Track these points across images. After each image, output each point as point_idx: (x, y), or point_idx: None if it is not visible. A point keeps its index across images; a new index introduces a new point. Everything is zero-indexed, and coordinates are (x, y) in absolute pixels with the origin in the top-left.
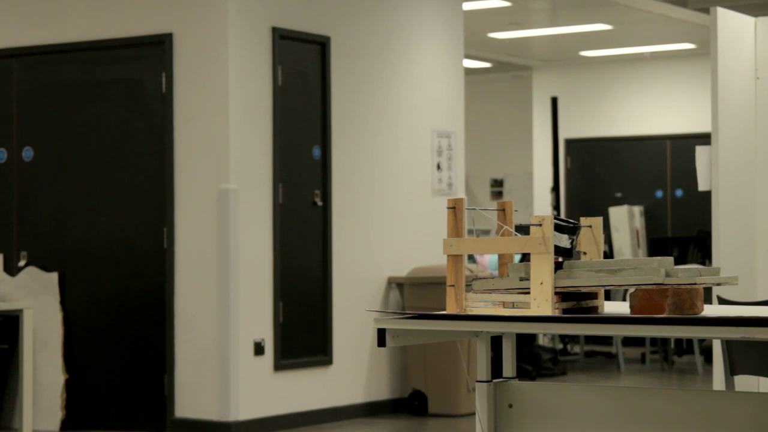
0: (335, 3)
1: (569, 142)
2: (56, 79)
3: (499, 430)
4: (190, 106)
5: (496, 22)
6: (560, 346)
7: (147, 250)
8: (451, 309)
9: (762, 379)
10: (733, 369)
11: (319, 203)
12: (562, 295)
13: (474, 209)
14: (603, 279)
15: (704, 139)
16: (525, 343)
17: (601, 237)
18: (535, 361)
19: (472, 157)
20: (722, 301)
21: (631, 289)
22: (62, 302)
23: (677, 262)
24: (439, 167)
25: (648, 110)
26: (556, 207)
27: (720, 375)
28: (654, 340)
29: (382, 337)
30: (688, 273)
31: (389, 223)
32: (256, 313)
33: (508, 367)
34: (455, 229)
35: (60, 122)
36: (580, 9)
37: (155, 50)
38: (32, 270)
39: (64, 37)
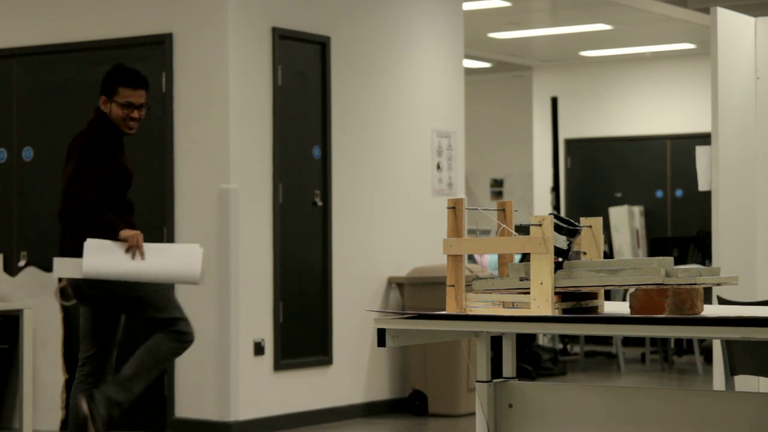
0: (335, 3)
1: (569, 142)
2: (56, 79)
3: (499, 430)
4: (190, 106)
5: (496, 22)
6: (560, 346)
7: None
8: (451, 309)
9: (762, 379)
10: (733, 369)
11: (319, 203)
12: (562, 295)
13: (476, 209)
14: (603, 279)
15: (704, 139)
16: (525, 343)
17: (601, 237)
18: (535, 361)
19: (472, 157)
20: (722, 301)
21: (631, 289)
22: None
23: (677, 262)
24: (439, 167)
25: (648, 110)
26: (556, 207)
27: (720, 375)
28: (654, 340)
29: (382, 337)
30: (688, 273)
31: (389, 223)
32: (256, 313)
33: (508, 367)
34: (455, 229)
35: (60, 122)
36: (580, 9)
37: (155, 50)
38: (32, 270)
39: (64, 37)
